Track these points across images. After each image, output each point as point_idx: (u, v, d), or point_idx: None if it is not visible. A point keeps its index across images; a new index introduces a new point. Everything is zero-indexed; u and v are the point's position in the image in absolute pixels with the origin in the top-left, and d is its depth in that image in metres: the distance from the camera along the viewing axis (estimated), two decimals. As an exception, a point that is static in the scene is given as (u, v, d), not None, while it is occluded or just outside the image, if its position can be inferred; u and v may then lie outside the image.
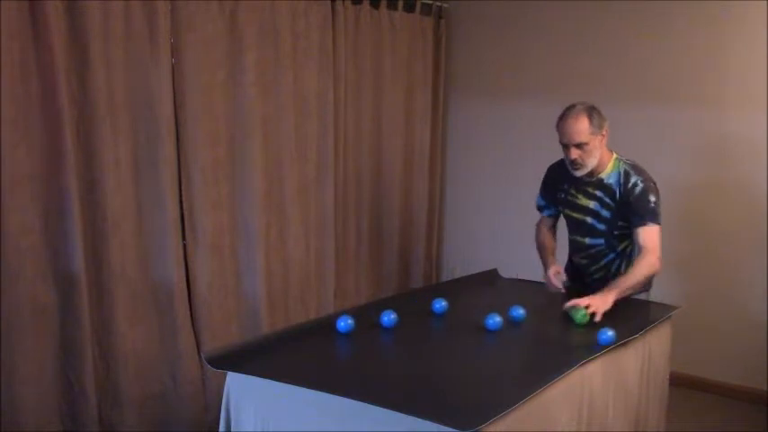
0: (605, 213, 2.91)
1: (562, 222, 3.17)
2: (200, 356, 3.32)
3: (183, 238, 3.34)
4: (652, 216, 2.79)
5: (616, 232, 2.93)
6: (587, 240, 3.02)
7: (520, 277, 3.30)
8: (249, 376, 2.05)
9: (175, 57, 3.21)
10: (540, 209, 3.23)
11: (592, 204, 2.94)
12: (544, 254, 3.14)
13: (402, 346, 2.43)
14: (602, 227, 2.95)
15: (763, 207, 3.86)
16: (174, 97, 3.21)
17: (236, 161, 3.53)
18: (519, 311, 2.60)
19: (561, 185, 3.05)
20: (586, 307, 2.53)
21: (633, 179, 2.82)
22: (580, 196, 2.97)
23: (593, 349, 2.29)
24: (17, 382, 2.77)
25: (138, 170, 3.11)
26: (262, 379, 2.02)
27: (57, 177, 2.81)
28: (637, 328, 2.50)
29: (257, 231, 3.63)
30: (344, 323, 2.38)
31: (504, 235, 4.71)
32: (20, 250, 2.73)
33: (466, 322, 2.62)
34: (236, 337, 3.48)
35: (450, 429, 1.69)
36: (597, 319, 2.55)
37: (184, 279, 3.33)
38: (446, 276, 4.97)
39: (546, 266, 3.09)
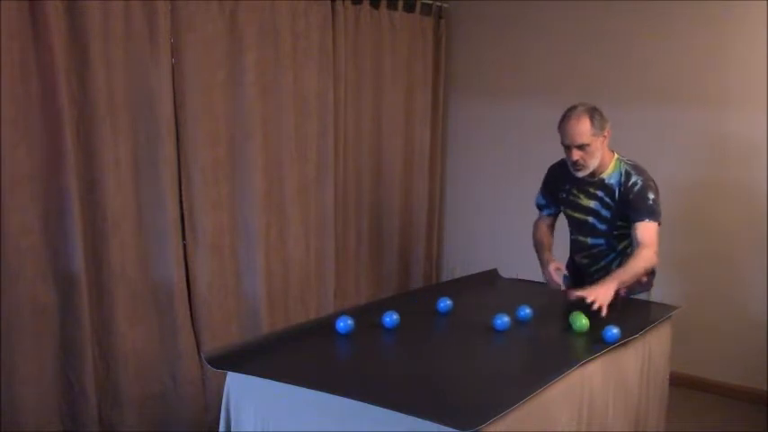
0: (605, 213, 2.92)
1: (562, 222, 3.18)
2: (200, 356, 3.32)
3: (183, 238, 3.34)
4: (650, 213, 2.80)
5: (616, 232, 2.94)
6: (589, 240, 3.02)
7: (520, 277, 3.30)
8: (249, 376, 2.05)
9: (175, 57, 3.21)
10: (539, 208, 3.23)
11: (593, 204, 2.94)
12: (541, 250, 3.14)
13: (402, 346, 2.42)
14: (602, 227, 2.95)
15: (764, 207, 3.86)
16: (174, 97, 3.21)
17: (236, 161, 3.53)
18: (526, 311, 2.60)
19: (563, 185, 3.05)
20: (587, 314, 2.50)
21: (633, 178, 2.83)
22: (582, 196, 2.98)
23: (594, 349, 2.30)
24: (17, 382, 2.77)
25: (138, 170, 3.11)
26: (262, 379, 2.02)
27: (57, 177, 2.81)
28: (637, 328, 2.50)
29: (257, 231, 3.63)
30: (344, 324, 2.38)
31: (504, 235, 4.71)
32: (20, 250, 2.73)
33: (467, 322, 2.62)
34: (236, 337, 3.48)
35: (450, 429, 1.69)
36: (604, 313, 2.55)
37: (184, 279, 3.33)
38: (446, 276, 4.97)
39: (543, 263, 3.09)
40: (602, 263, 3.02)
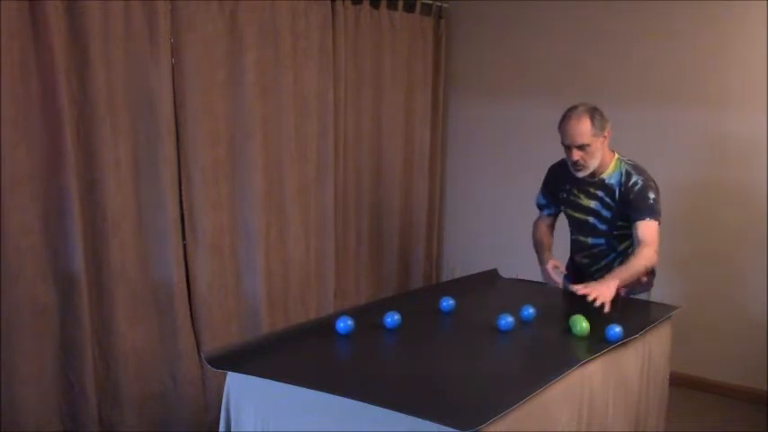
0: (606, 213, 2.92)
1: (562, 222, 3.18)
2: (200, 356, 3.32)
3: (183, 238, 3.34)
4: (651, 212, 2.80)
5: (616, 232, 2.94)
6: (589, 240, 3.02)
7: (520, 277, 3.30)
8: (249, 376, 2.05)
9: (175, 57, 3.21)
10: (540, 207, 3.23)
11: (593, 204, 2.94)
12: (541, 249, 3.15)
13: (402, 346, 2.42)
14: (603, 227, 2.95)
15: (764, 207, 3.86)
16: (174, 97, 3.21)
17: (236, 161, 3.53)
18: (529, 311, 2.60)
19: (563, 185, 3.05)
20: (587, 319, 2.50)
21: (634, 178, 2.83)
22: (582, 196, 2.98)
23: (594, 349, 2.30)
24: (17, 382, 2.77)
25: (138, 170, 3.11)
26: (262, 379, 2.01)
27: (57, 177, 2.81)
28: (637, 328, 2.50)
29: (257, 231, 3.62)
30: (344, 324, 2.38)
31: (504, 235, 4.71)
32: (20, 250, 2.73)
33: (467, 322, 2.62)
34: (236, 337, 3.48)
35: (450, 429, 1.68)
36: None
37: (184, 279, 3.33)
38: (446, 276, 4.97)
39: (542, 262, 3.10)
40: (603, 263, 3.02)
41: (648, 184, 2.83)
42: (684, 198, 4.01)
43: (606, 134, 2.83)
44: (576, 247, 3.12)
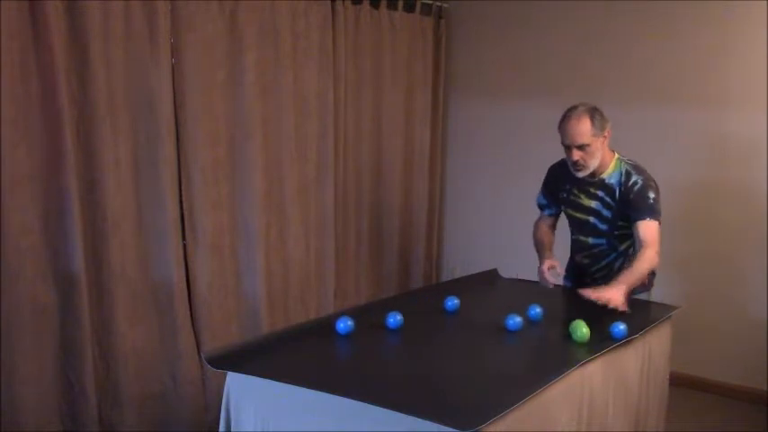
0: (606, 213, 2.92)
1: (563, 222, 3.18)
2: (200, 356, 3.32)
3: (183, 238, 3.34)
4: (651, 212, 2.80)
5: (617, 232, 2.94)
6: (590, 240, 3.02)
7: (520, 277, 3.30)
8: (249, 376, 2.05)
9: (175, 57, 3.21)
10: (541, 207, 3.23)
11: (594, 204, 2.94)
12: (541, 250, 3.14)
13: (402, 346, 2.43)
14: (603, 227, 2.95)
15: (764, 207, 3.86)
16: (174, 97, 3.21)
17: (236, 161, 3.53)
18: (536, 310, 2.60)
19: (563, 185, 3.05)
20: (588, 325, 2.48)
21: (634, 178, 2.83)
22: (582, 196, 2.98)
23: (594, 349, 2.30)
24: (17, 382, 2.76)
25: (138, 170, 3.11)
26: (262, 379, 2.02)
27: (57, 177, 2.81)
28: (637, 328, 2.50)
29: (257, 231, 3.62)
30: (344, 324, 2.38)
31: (504, 235, 4.71)
32: (20, 250, 2.73)
33: (468, 322, 2.62)
34: (236, 337, 3.48)
35: (450, 429, 1.69)
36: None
37: (184, 279, 3.33)
38: (446, 276, 4.97)
39: (541, 261, 3.09)
40: (603, 263, 3.02)
41: (648, 183, 2.83)
42: (684, 198, 4.01)
43: (606, 134, 2.83)
44: (576, 247, 3.12)
